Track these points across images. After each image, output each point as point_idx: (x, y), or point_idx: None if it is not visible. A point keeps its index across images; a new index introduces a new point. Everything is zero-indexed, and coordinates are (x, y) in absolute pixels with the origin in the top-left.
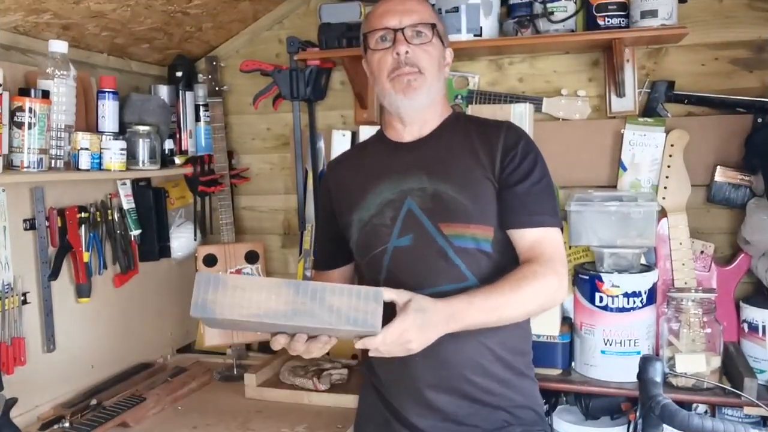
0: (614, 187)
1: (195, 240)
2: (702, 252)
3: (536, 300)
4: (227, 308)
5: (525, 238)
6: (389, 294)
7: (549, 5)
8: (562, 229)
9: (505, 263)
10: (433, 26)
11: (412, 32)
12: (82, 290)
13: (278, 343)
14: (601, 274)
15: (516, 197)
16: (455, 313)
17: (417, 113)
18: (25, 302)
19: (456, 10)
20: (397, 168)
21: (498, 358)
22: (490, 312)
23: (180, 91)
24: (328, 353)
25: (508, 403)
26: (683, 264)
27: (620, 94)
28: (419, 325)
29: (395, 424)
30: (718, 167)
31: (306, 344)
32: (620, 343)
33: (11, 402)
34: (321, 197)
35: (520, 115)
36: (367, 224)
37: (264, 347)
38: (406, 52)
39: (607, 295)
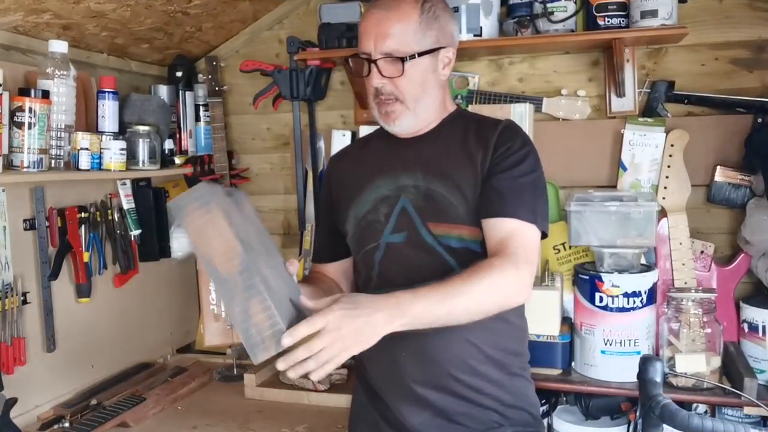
0: (614, 187)
1: None
2: (702, 252)
3: (490, 294)
4: (191, 228)
5: (495, 229)
6: (317, 320)
7: (549, 5)
8: (545, 233)
9: None
10: (405, 59)
11: (385, 62)
12: (82, 290)
13: None
14: (601, 274)
15: (494, 188)
16: (400, 303)
17: (407, 131)
18: (25, 302)
19: (456, 10)
20: (395, 164)
21: (488, 358)
22: (437, 303)
23: (180, 91)
24: None
25: (499, 403)
26: (683, 264)
27: (620, 94)
28: (350, 313)
29: (383, 425)
30: (718, 167)
31: None
32: (620, 343)
33: (11, 402)
34: (322, 190)
35: (520, 115)
36: (362, 220)
37: None
38: (382, 85)
39: (607, 295)
